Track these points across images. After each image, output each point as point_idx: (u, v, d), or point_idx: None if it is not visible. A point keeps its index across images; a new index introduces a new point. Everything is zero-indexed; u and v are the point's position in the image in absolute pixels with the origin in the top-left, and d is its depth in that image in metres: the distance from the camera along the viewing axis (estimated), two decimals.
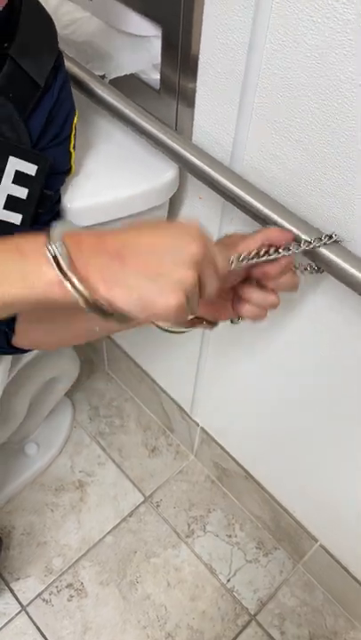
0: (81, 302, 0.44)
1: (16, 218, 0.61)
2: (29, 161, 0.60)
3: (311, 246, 0.60)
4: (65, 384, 1.29)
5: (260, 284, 0.59)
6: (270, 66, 0.58)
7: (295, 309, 0.78)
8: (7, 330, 0.68)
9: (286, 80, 0.57)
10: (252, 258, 0.56)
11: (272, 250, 0.57)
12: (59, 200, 0.70)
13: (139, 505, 1.35)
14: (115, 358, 1.47)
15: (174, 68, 0.69)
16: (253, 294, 0.59)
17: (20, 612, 1.20)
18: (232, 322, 0.64)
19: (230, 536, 1.32)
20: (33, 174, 0.61)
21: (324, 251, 0.60)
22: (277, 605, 1.23)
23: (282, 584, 1.26)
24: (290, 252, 0.58)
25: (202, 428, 1.28)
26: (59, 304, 0.45)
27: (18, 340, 0.69)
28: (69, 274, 0.43)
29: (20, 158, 0.59)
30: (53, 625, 1.19)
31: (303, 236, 0.61)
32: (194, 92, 0.69)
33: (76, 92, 0.71)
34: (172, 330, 0.64)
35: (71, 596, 1.22)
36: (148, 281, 0.44)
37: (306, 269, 0.64)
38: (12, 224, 0.61)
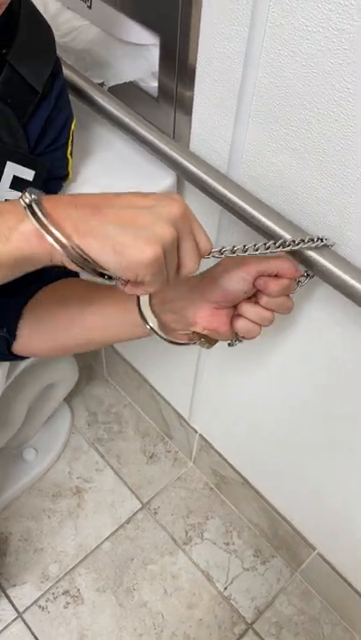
0: (57, 249, 0.43)
1: None
2: (27, 166, 0.61)
3: (300, 246, 0.60)
4: (64, 390, 1.29)
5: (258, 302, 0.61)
6: (266, 74, 0.58)
7: (292, 317, 0.78)
8: (8, 336, 0.68)
9: (282, 89, 0.57)
10: (236, 251, 0.55)
11: (260, 244, 0.57)
12: None
13: (136, 512, 1.34)
14: (114, 364, 1.47)
15: (172, 76, 0.69)
16: (249, 309, 0.61)
17: (16, 618, 1.19)
18: (229, 344, 0.65)
19: (228, 544, 1.31)
20: (30, 179, 0.61)
21: (315, 255, 0.61)
22: (275, 614, 1.23)
23: (279, 592, 1.25)
24: (278, 251, 0.58)
25: (200, 435, 1.28)
26: (36, 260, 0.44)
27: (18, 346, 0.69)
28: (44, 221, 0.42)
29: (18, 163, 0.60)
30: (49, 632, 1.18)
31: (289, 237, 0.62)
32: (191, 100, 0.69)
33: (74, 100, 0.71)
34: (172, 341, 0.65)
35: (67, 603, 1.22)
36: (125, 231, 0.43)
37: (300, 282, 0.64)
38: None
